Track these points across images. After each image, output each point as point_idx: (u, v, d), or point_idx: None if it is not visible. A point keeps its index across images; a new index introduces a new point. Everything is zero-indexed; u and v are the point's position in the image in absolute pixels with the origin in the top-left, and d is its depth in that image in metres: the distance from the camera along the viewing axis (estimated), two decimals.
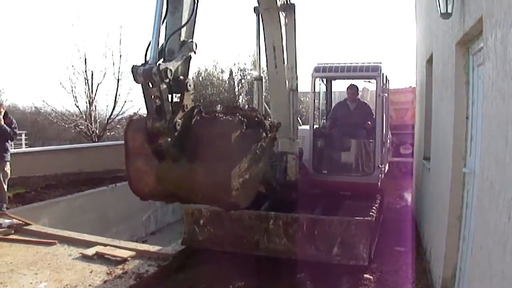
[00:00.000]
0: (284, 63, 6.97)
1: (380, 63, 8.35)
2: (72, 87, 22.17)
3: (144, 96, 3.54)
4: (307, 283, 6.16)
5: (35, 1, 68.51)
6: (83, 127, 22.39)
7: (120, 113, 23.37)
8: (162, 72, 3.34)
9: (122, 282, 6.19)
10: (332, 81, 10.17)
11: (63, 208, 11.19)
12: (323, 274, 6.22)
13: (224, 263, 6.64)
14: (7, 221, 8.76)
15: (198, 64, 26.73)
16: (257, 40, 7.24)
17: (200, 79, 26.53)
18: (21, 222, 8.78)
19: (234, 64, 27.36)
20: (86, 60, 22.09)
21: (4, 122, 9.37)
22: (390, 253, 7.40)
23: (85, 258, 7.01)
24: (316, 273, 6.26)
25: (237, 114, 3.81)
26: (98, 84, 22.28)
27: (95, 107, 22.91)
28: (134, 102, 23.07)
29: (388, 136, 9.96)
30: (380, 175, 8.13)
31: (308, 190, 7.86)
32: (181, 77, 3.66)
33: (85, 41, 25.26)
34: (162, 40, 3.69)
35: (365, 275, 6.27)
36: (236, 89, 26.95)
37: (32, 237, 8.11)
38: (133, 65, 3.45)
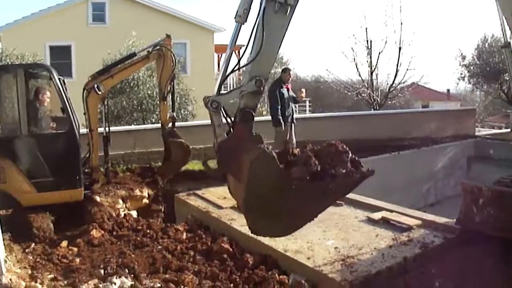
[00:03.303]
0: None
1: None
2: (354, 56, 22.95)
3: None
4: None
5: None
6: (365, 95, 22.94)
7: (402, 81, 23.11)
8: (208, 104, 3.98)
9: (407, 249, 6.14)
10: None
11: None
12: None
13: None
14: None
15: (485, 30, 24.30)
16: (496, 2, 6.28)
17: (486, 45, 24.15)
18: None
19: None
20: (367, 29, 22.49)
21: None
22: None
23: (370, 221, 7.16)
24: None
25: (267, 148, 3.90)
26: (379, 53, 22.54)
27: (377, 75, 23.26)
28: (416, 71, 22.56)
29: None
30: None
31: None
32: (245, 109, 4.03)
33: (365, 11, 25.68)
34: None
35: None
36: None
37: None
38: (205, 96, 4.08)
